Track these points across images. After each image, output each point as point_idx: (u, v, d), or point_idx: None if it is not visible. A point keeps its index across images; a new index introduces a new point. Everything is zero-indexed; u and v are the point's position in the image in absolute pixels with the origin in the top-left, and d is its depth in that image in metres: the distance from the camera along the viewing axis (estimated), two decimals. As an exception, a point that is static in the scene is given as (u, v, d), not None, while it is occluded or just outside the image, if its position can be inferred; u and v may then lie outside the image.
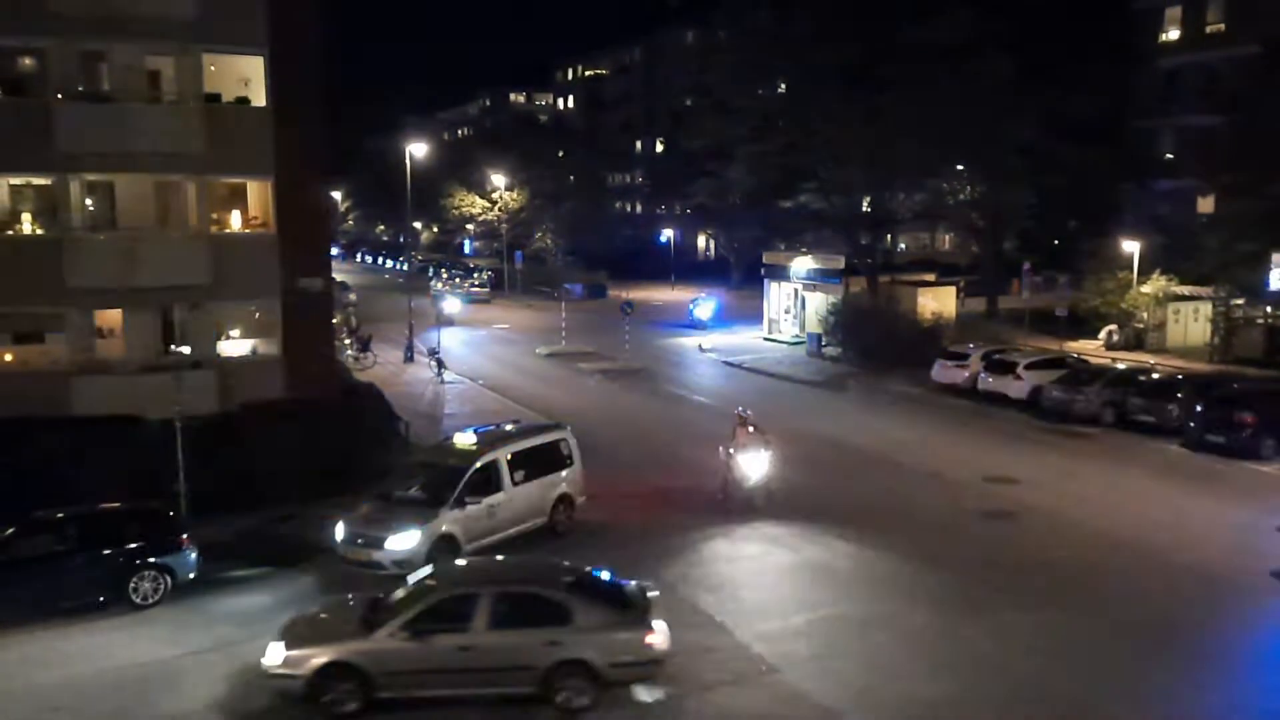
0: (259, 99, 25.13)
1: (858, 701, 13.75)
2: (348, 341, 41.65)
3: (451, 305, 54.94)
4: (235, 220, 27.24)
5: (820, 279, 45.21)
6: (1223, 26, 45.67)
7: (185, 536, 18.00)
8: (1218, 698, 13.78)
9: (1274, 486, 21.26)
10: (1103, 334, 41.69)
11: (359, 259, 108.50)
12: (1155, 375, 30.86)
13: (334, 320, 31.85)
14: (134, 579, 17.23)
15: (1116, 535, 20.00)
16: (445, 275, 74.82)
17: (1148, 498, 22.43)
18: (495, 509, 19.28)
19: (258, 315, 26.71)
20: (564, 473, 20.86)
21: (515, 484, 19.72)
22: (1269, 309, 38.65)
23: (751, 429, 21.23)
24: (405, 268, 74.15)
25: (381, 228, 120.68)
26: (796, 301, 47.52)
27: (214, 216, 25.83)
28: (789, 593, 17.91)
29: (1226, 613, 16.34)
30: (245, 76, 25.60)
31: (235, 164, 25.22)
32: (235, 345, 26.71)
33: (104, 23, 23.19)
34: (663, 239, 78.77)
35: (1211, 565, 18.25)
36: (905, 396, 34.23)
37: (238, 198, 27.46)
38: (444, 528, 18.40)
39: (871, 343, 39.76)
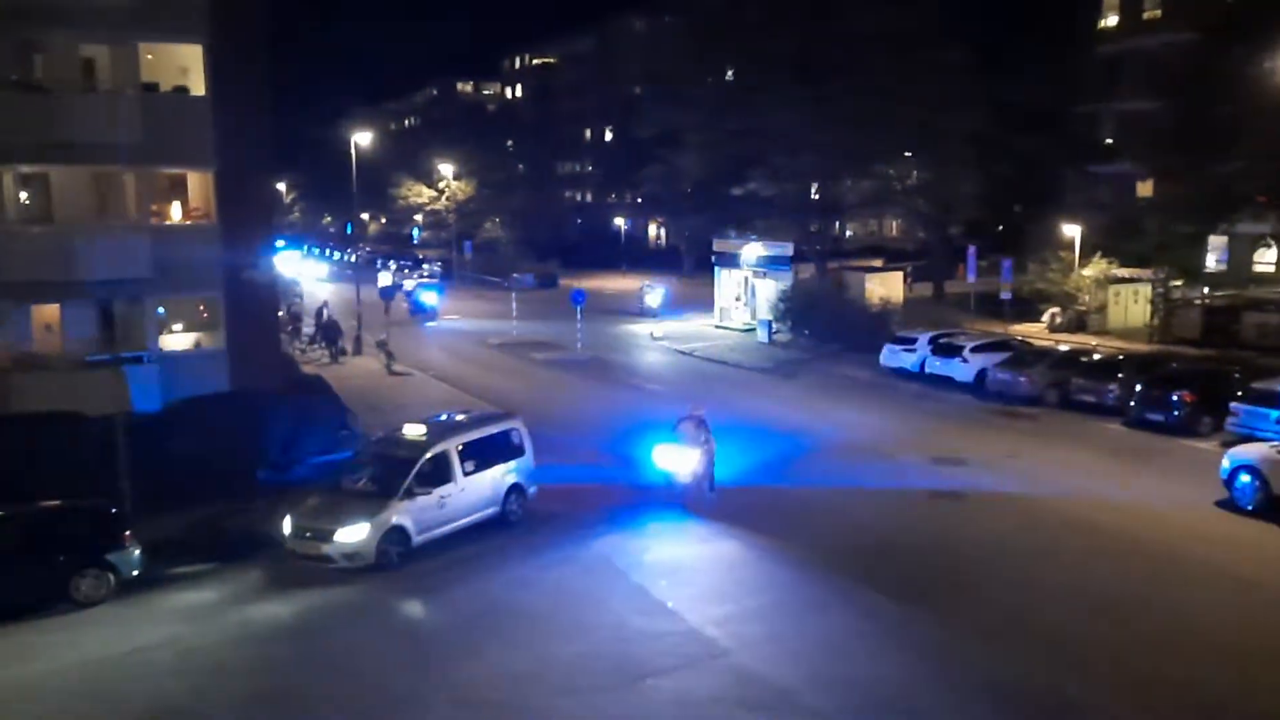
0: (198, 88, 24.66)
1: (812, 682, 13.83)
2: (288, 331, 41.07)
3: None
4: (176, 212, 26.78)
5: (770, 266, 45.42)
6: (1159, 13, 46.51)
7: (128, 533, 17.74)
8: (1172, 672, 14.07)
9: (1211, 462, 21.75)
10: (1046, 316, 42.33)
11: (305, 250, 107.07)
12: (1097, 356, 31.41)
13: (280, 313, 31.44)
14: (76, 577, 16.93)
15: (1063, 513, 20.35)
16: (394, 266, 74.09)
17: (1091, 476, 22.84)
18: (446, 500, 19.17)
19: (201, 308, 26.29)
20: (515, 462, 20.80)
21: (466, 474, 19.61)
22: (1206, 290, 39.52)
23: (698, 424, 21.26)
24: (353, 259, 73.37)
25: (329, 219, 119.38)
26: (747, 289, 47.68)
27: (154, 208, 25.38)
28: (741, 577, 18.02)
29: (1169, 587, 16.68)
30: (184, 65, 25.12)
31: (174, 154, 24.73)
32: (178, 339, 26.25)
33: (37, 11, 22.60)
34: (614, 228, 78.71)
35: (1155, 542, 18.62)
36: (855, 381, 34.55)
37: (178, 189, 26.98)
38: (394, 519, 18.28)
39: (822, 329, 40.06)
